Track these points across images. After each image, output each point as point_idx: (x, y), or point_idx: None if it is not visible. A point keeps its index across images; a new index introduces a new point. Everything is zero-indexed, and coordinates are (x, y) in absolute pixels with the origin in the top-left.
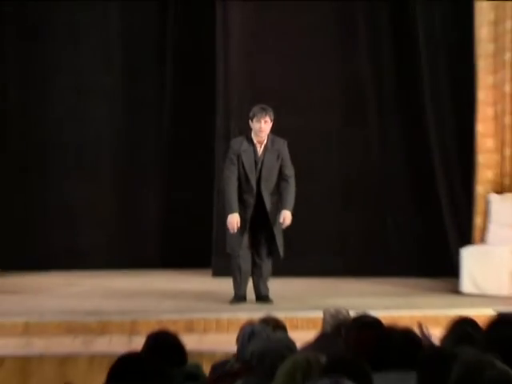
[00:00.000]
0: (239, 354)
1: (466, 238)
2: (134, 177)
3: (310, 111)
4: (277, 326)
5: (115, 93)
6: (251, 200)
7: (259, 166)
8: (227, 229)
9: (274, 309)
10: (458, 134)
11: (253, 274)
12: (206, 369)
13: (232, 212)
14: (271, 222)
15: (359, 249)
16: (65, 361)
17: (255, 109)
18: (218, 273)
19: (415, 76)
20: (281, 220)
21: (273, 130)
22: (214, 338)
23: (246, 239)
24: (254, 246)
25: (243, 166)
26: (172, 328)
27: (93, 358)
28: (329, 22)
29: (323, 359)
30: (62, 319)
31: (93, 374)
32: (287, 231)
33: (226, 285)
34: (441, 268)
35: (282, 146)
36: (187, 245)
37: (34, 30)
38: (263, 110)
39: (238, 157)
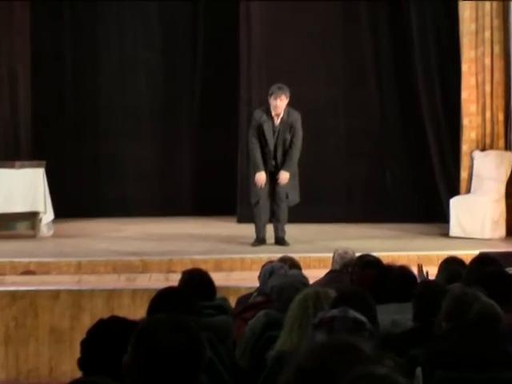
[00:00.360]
0: (261, 289)
1: (454, 189)
2: (171, 138)
3: (319, 81)
4: (293, 264)
5: (154, 66)
6: (270, 161)
7: (276, 134)
8: (251, 183)
9: (290, 250)
10: (445, 101)
11: (272, 220)
12: (232, 302)
13: (259, 170)
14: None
15: (362, 198)
16: (111, 295)
17: (273, 87)
18: (242, 220)
19: (409, 51)
20: (279, 178)
21: (290, 103)
22: (238, 275)
23: (265, 191)
24: (272, 197)
25: (263, 134)
26: (203, 267)
27: (135, 293)
28: (334, 4)
29: (332, 293)
30: (109, 259)
31: (135, 306)
32: (302, 183)
33: (248, 230)
34: (433, 215)
35: (296, 118)
36: (215, 195)
37: (86, 12)
38: (280, 89)
39: (260, 126)
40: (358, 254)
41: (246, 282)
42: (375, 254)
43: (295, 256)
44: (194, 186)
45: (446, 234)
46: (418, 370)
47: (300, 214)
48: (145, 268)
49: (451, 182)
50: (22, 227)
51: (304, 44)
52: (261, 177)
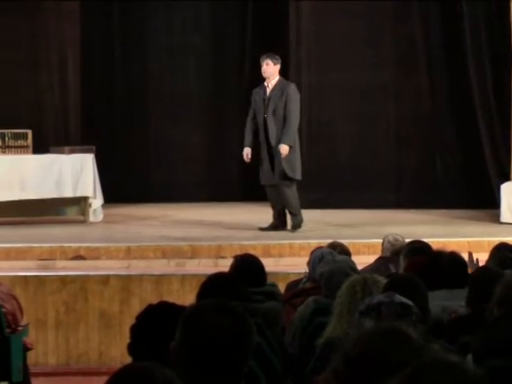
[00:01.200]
0: (310, 275)
1: (505, 175)
2: (220, 123)
3: (368, 66)
4: (342, 250)
5: (203, 51)
6: (261, 134)
7: (266, 102)
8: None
9: (339, 236)
10: (496, 87)
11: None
12: (281, 288)
13: (244, 146)
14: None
15: (411, 184)
16: (160, 280)
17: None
18: None
19: (460, 38)
20: (280, 151)
21: (338, 87)
22: (287, 261)
23: (267, 172)
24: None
25: (255, 106)
26: (251, 252)
27: (184, 278)
28: None
29: (381, 279)
30: (158, 244)
31: (184, 292)
32: (350, 170)
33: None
34: (483, 201)
35: (288, 86)
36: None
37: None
38: (265, 55)
39: (254, 98)
40: (407, 240)
41: (295, 268)
42: (425, 240)
43: (344, 242)
44: (242, 172)
45: (496, 219)
46: (469, 358)
47: (349, 200)
48: (194, 253)
49: (502, 168)
50: (71, 212)
51: (354, 29)
52: (244, 152)
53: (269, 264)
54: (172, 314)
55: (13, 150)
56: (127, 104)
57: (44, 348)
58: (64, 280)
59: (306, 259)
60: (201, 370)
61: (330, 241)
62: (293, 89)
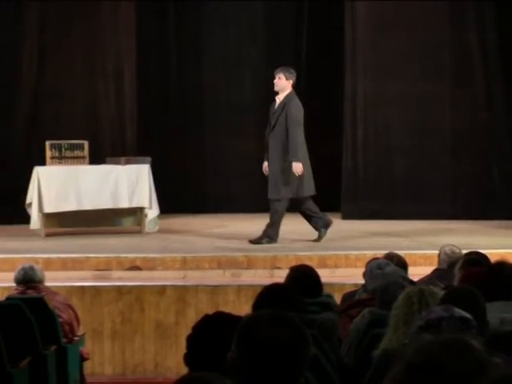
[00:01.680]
0: (366, 286)
1: None
2: None
3: (425, 76)
4: (399, 261)
5: (258, 62)
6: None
7: (272, 116)
8: None
9: (396, 247)
10: None
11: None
12: (337, 298)
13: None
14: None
15: (468, 194)
16: (216, 291)
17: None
18: (346, 216)
19: None
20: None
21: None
22: (343, 271)
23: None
24: None
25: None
26: (307, 263)
27: (240, 289)
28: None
29: (437, 290)
30: (214, 255)
31: (240, 302)
32: (406, 180)
33: (354, 226)
34: None
35: (291, 101)
36: (319, 192)
37: (191, 9)
38: (278, 68)
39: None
40: (464, 252)
41: (351, 279)
42: (482, 251)
43: (401, 253)
44: None
45: None
46: None
47: (406, 211)
48: (249, 264)
49: None
50: (127, 223)
51: (409, 39)
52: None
53: (324, 275)
54: (228, 325)
55: (69, 160)
56: (183, 115)
57: (100, 358)
58: (120, 290)
59: (362, 270)
60: (257, 381)
61: (386, 252)
62: (293, 104)
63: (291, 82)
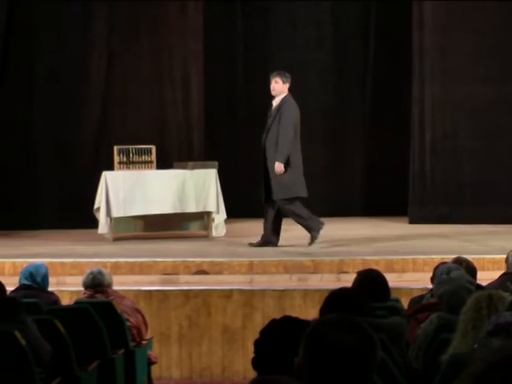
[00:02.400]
0: (434, 291)
1: None
2: (342, 138)
3: (493, 79)
4: (468, 266)
5: (326, 67)
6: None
7: (268, 119)
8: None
9: (463, 251)
10: None
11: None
12: (404, 303)
13: None
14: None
15: None
16: (283, 295)
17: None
18: (413, 220)
19: None
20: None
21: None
22: (410, 276)
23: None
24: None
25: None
26: (374, 267)
27: (306, 293)
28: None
29: (507, 295)
30: (280, 259)
31: (306, 306)
32: (475, 184)
33: (421, 230)
34: None
35: (285, 105)
36: (386, 196)
37: (258, 13)
38: (274, 72)
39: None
40: None
41: (418, 284)
42: None
43: (469, 257)
44: (365, 187)
45: None
46: None
47: (474, 215)
48: (316, 268)
49: None
50: (194, 227)
51: (477, 42)
52: None
53: (392, 279)
54: (296, 329)
55: (137, 165)
56: (250, 119)
57: (168, 362)
58: (187, 294)
59: (430, 274)
60: None
61: (454, 256)
62: (288, 106)
63: (287, 85)
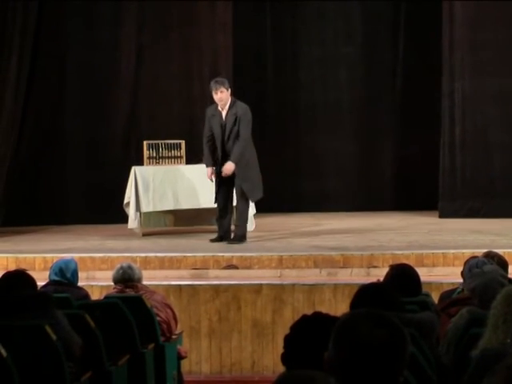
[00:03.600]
0: (465, 284)
1: None
2: (372, 132)
3: None
4: (499, 260)
5: (355, 61)
6: (219, 157)
7: (223, 127)
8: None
9: (494, 245)
10: None
11: (222, 218)
12: (435, 297)
13: (206, 167)
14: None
15: None
16: (313, 290)
17: (211, 83)
18: (444, 215)
19: None
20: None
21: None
22: (441, 270)
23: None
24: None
25: (212, 129)
26: (405, 262)
27: (336, 288)
28: None
29: None
30: (310, 254)
31: (336, 301)
32: (505, 178)
33: (452, 224)
34: None
35: (241, 109)
36: (417, 190)
37: (287, 8)
38: (216, 82)
39: (209, 121)
40: None
41: (449, 278)
42: None
43: (499, 251)
44: (395, 181)
45: None
46: None
47: (504, 209)
48: (346, 263)
49: None
50: None
51: (507, 34)
52: (207, 172)
53: (422, 273)
54: (326, 325)
55: (167, 160)
56: (279, 114)
57: (197, 356)
58: (217, 289)
59: (460, 269)
60: (356, 380)
61: (484, 250)
62: (247, 113)
63: (229, 89)
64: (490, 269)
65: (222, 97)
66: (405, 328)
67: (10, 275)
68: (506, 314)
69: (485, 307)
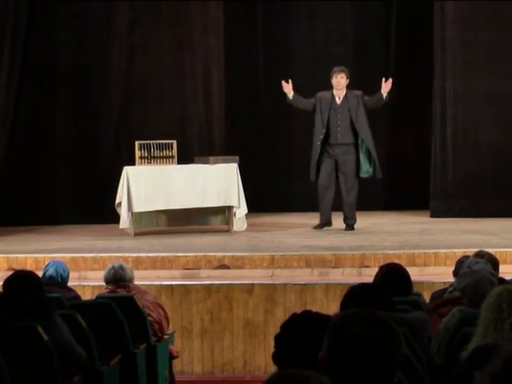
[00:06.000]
0: (457, 284)
1: None
2: None
3: None
4: (490, 259)
5: (346, 61)
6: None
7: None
8: None
9: (485, 245)
10: None
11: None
12: (426, 297)
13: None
14: None
15: None
16: (304, 289)
17: (334, 68)
18: (435, 214)
19: None
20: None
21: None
22: (432, 270)
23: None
24: None
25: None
26: (396, 261)
27: (328, 287)
28: None
29: None
30: (302, 254)
31: (328, 301)
32: (496, 178)
33: (443, 224)
34: None
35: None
36: (408, 190)
37: (278, 9)
38: (339, 68)
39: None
40: None
41: (440, 277)
42: None
43: (491, 251)
44: (386, 180)
45: None
46: None
47: (496, 209)
48: (337, 262)
49: None
50: (216, 222)
51: (499, 34)
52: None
53: (413, 273)
54: (316, 323)
55: (158, 160)
56: (271, 114)
57: (189, 356)
58: (209, 289)
59: (452, 268)
60: (350, 380)
61: (476, 250)
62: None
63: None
64: (480, 268)
65: (342, 82)
66: (398, 328)
67: (17, 276)
68: (496, 321)
69: (475, 306)
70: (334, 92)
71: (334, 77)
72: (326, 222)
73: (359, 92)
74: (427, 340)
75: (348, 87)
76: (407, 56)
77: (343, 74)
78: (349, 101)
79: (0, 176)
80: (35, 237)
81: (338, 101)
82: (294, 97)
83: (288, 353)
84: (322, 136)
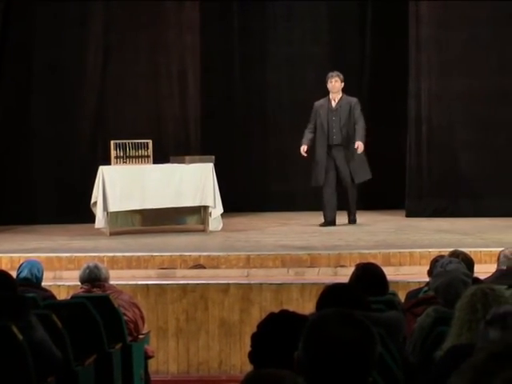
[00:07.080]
0: (431, 284)
1: None
2: None
3: (490, 72)
4: (465, 259)
5: (322, 60)
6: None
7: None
8: None
9: (460, 244)
10: None
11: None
12: (401, 296)
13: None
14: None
15: None
16: (280, 289)
17: (329, 73)
18: (410, 214)
19: None
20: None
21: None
22: (408, 269)
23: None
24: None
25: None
26: (371, 261)
27: (304, 287)
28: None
29: (501, 290)
30: (277, 253)
31: (304, 300)
32: (472, 177)
33: (418, 223)
34: None
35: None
36: (384, 189)
37: (254, 9)
38: (333, 73)
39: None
40: None
41: (416, 277)
42: None
43: (466, 250)
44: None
45: None
46: None
47: (471, 208)
48: (313, 262)
49: None
50: (191, 221)
51: (474, 34)
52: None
53: (389, 273)
54: (293, 323)
55: (134, 160)
56: (246, 114)
57: (165, 356)
58: (184, 288)
59: (427, 268)
60: (326, 380)
61: (451, 249)
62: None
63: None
64: (453, 268)
65: (336, 86)
66: (374, 327)
67: None
68: (470, 321)
69: (450, 306)
70: (330, 96)
71: (328, 81)
72: (331, 220)
73: (354, 99)
74: (402, 339)
75: (344, 91)
76: (382, 56)
77: (337, 78)
78: (342, 105)
79: None
80: (11, 236)
81: (334, 103)
82: (309, 145)
83: (264, 352)
84: (322, 140)
